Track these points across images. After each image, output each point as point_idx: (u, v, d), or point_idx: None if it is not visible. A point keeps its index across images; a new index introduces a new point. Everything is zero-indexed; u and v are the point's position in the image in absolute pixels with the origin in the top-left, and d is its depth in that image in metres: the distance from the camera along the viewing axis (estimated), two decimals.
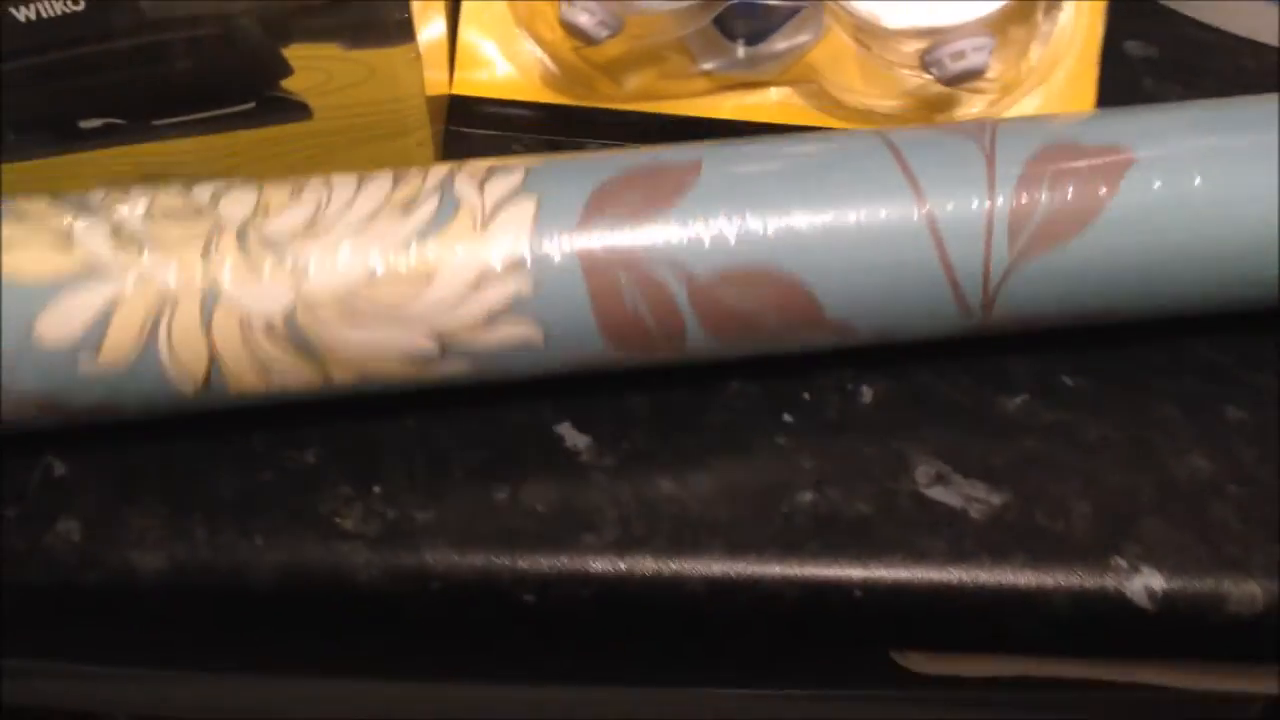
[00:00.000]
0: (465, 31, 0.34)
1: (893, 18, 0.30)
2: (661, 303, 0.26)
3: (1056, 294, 0.27)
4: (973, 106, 0.33)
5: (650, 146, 0.27)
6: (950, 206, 0.26)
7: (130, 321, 0.25)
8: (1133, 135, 0.27)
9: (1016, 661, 0.30)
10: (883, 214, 0.26)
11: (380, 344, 0.26)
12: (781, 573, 0.26)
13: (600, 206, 0.26)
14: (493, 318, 0.26)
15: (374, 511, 0.27)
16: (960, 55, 0.30)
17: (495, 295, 0.25)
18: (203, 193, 0.26)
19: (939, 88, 0.33)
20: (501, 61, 0.34)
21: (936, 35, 0.30)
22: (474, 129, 0.34)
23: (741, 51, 0.33)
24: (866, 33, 0.31)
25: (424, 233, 0.25)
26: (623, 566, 0.26)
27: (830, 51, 0.33)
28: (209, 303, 0.25)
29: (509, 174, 0.26)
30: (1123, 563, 0.26)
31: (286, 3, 0.28)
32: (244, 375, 0.25)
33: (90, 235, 0.25)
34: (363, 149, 0.31)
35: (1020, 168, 0.26)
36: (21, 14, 0.27)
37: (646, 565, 0.26)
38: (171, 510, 0.26)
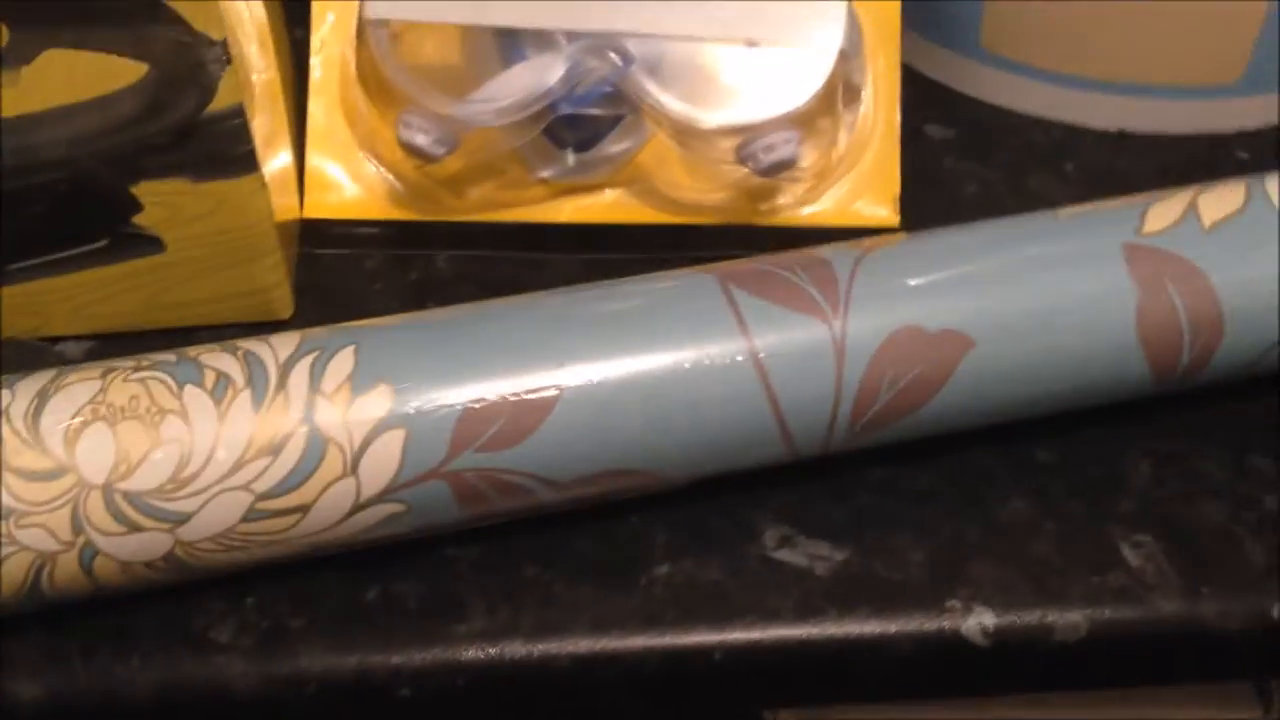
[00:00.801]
0: (311, 157, 0.36)
1: (706, 118, 0.33)
2: (522, 499, 0.28)
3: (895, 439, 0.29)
4: (792, 194, 0.36)
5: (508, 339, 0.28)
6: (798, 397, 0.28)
7: (10, 577, 0.25)
8: (971, 316, 0.28)
9: (881, 710, 0.32)
10: (721, 391, 0.27)
11: (259, 558, 0.27)
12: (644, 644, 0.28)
13: (468, 436, 0.26)
14: (367, 529, 0.27)
15: (248, 623, 0.28)
16: (771, 148, 0.33)
17: (368, 518, 0.27)
18: (53, 432, 0.25)
19: (759, 179, 0.35)
20: (348, 183, 0.36)
21: (748, 132, 0.33)
22: (326, 249, 0.36)
23: (572, 159, 0.35)
24: (685, 133, 0.33)
25: (294, 479, 0.26)
26: (494, 652, 0.28)
27: (656, 152, 0.35)
28: (86, 556, 0.26)
29: (372, 400, 0.26)
30: (957, 604, 0.28)
31: (131, 142, 0.29)
32: (125, 586, 0.27)
33: None
34: (216, 275, 0.32)
35: (866, 361, 0.28)
36: None
37: (517, 649, 0.28)
38: (46, 637, 0.27)
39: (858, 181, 0.36)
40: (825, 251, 0.29)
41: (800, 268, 0.29)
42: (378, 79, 0.34)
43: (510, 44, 0.34)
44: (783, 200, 0.36)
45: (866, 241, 0.30)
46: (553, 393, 0.27)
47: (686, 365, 0.27)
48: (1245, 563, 0.29)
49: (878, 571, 0.29)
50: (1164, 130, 0.39)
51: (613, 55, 0.33)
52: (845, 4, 0.33)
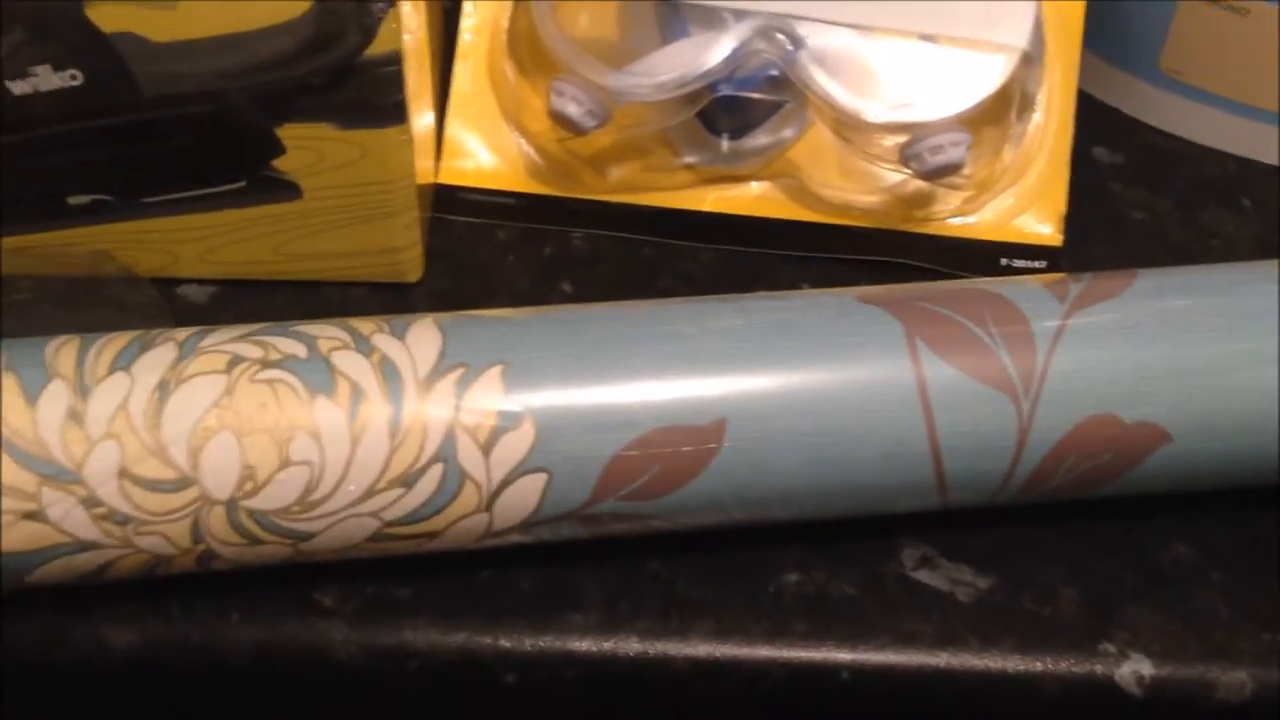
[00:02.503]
0: (452, 122, 0.35)
1: (874, 112, 0.31)
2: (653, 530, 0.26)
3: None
4: (949, 203, 0.34)
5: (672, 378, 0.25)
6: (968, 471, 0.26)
7: (124, 570, 0.24)
8: (1172, 412, 0.26)
9: None
10: (887, 466, 0.25)
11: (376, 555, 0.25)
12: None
13: (613, 485, 0.25)
14: (490, 547, 0.26)
15: (355, 589, 0.26)
16: (938, 149, 0.31)
17: (494, 542, 0.25)
18: (177, 440, 0.23)
19: (916, 184, 0.33)
20: (486, 152, 0.35)
21: (915, 130, 0.31)
22: (458, 216, 0.35)
23: (725, 145, 0.34)
24: (848, 127, 0.32)
25: (425, 511, 0.24)
26: (608, 646, 0.26)
27: (811, 147, 0.34)
28: (204, 559, 0.24)
29: (517, 438, 0.24)
30: (1112, 648, 0.26)
31: (283, 80, 0.28)
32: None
33: (67, 516, 0.23)
34: (351, 230, 0.31)
35: (1050, 446, 0.25)
36: (18, 88, 0.28)
37: (632, 646, 0.26)
38: (145, 585, 0.26)
39: (1022, 196, 0.34)
40: (1022, 300, 0.26)
41: (994, 323, 0.26)
42: (532, 46, 0.32)
43: (673, 20, 0.32)
44: (940, 208, 0.34)
45: (1065, 286, 0.27)
46: (711, 446, 0.24)
47: (857, 432, 0.25)
48: None
49: (1025, 604, 0.27)
50: None
51: (781, 38, 0.31)
52: (1035, 4, 0.31)
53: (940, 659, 0.26)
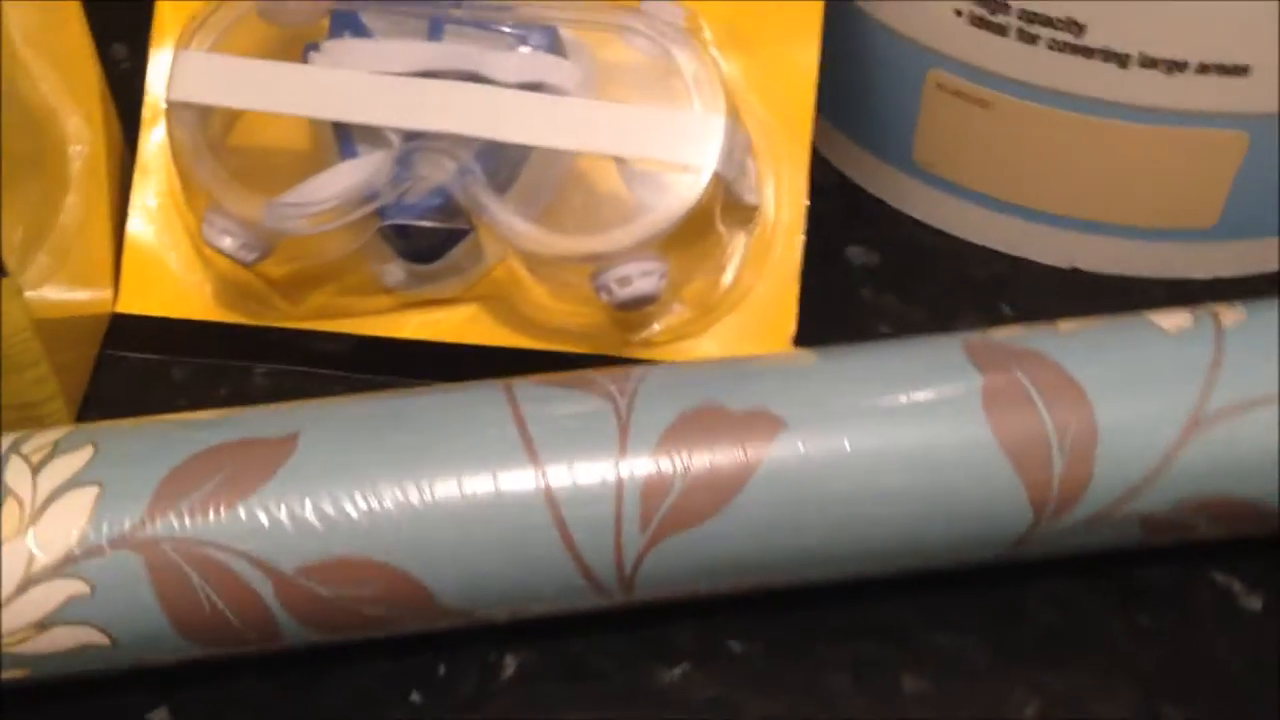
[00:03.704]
0: (131, 245, 0.32)
1: (552, 242, 0.28)
2: (245, 602, 0.23)
3: (704, 569, 0.24)
4: (669, 326, 0.31)
5: (249, 411, 0.25)
6: (574, 482, 0.23)
7: None
8: (779, 398, 0.24)
9: None
10: (499, 490, 0.23)
11: None
12: None
13: (170, 495, 0.23)
14: (45, 623, 0.22)
15: None
16: (626, 281, 0.28)
17: (43, 598, 0.22)
18: None
19: None
20: (171, 277, 0.32)
21: (599, 260, 0.28)
22: (132, 352, 0.31)
23: (418, 270, 0.31)
24: (529, 257, 0.28)
25: None
26: None
27: (514, 267, 0.31)
28: None
29: (74, 453, 0.23)
30: None
31: None
32: None
33: None
34: None
35: (657, 437, 0.24)
36: None
37: None
38: None
39: (748, 316, 0.31)
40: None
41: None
42: (183, 169, 0.29)
43: (345, 136, 0.29)
44: (660, 331, 0.31)
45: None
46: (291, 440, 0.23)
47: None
48: None
49: None
50: (1125, 272, 0.33)
51: (448, 161, 0.28)
52: (723, 119, 0.28)
53: None
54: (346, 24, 0.29)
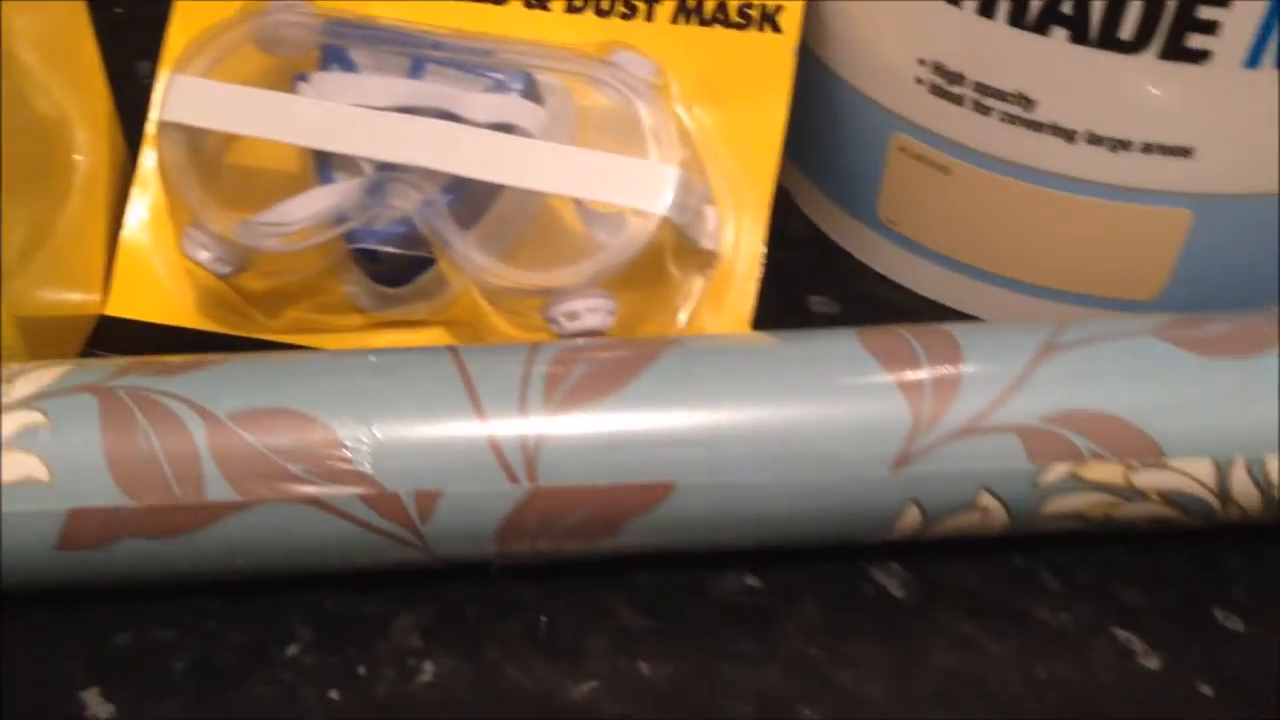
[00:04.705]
0: (124, 253, 0.34)
1: (504, 274, 0.29)
2: (178, 445, 0.25)
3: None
4: None
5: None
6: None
7: None
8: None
9: None
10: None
11: None
12: None
13: (136, 366, 0.27)
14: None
15: None
16: (574, 315, 0.29)
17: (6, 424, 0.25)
18: None
19: None
20: (158, 285, 0.33)
21: (550, 295, 0.29)
22: (111, 353, 0.33)
23: (388, 292, 0.32)
24: (484, 287, 0.30)
25: None
26: None
27: (476, 297, 0.32)
28: None
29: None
30: None
31: None
32: None
33: None
34: None
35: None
36: None
37: None
38: None
39: None
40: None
41: None
42: (168, 185, 0.31)
43: (323, 163, 0.31)
44: None
45: None
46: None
47: None
48: None
49: None
50: None
51: (413, 192, 0.29)
52: (675, 170, 0.29)
53: None
54: (335, 58, 0.31)
